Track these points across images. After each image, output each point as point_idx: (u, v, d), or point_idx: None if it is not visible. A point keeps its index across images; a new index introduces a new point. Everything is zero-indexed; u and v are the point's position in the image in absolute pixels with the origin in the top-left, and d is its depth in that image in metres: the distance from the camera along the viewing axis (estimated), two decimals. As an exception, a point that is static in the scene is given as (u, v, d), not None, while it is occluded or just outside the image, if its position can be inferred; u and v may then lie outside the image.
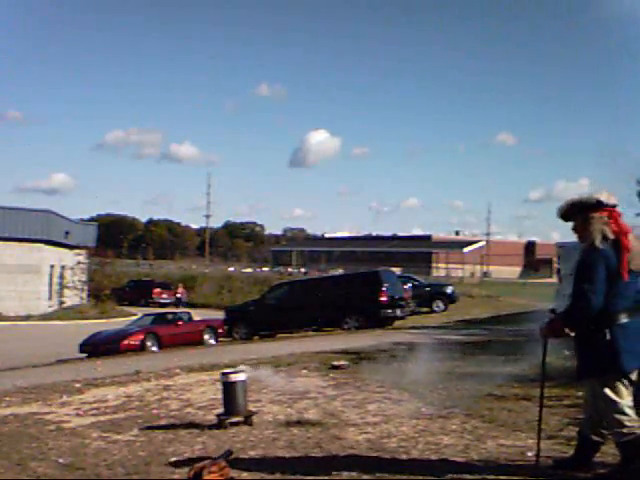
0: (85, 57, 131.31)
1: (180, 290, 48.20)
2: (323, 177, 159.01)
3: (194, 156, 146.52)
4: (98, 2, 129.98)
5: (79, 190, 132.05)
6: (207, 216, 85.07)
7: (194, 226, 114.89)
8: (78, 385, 12.94)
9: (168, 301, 47.12)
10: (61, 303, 38.43)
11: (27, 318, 31.01)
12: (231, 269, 69.23)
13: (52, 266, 37.93)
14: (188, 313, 25.05)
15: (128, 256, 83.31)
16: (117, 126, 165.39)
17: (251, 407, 9.35)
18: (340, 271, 45.15)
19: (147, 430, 8.98)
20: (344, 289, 23.72)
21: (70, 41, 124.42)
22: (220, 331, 23.46)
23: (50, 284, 37.83)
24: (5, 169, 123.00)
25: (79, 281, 40.32)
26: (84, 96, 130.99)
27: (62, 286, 39.43)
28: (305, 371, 13.39)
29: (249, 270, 67.57)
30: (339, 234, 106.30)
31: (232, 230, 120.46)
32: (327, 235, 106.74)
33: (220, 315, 25.18)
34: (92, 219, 72.58)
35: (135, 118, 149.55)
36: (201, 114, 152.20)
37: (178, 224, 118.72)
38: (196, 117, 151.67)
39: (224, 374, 9.20)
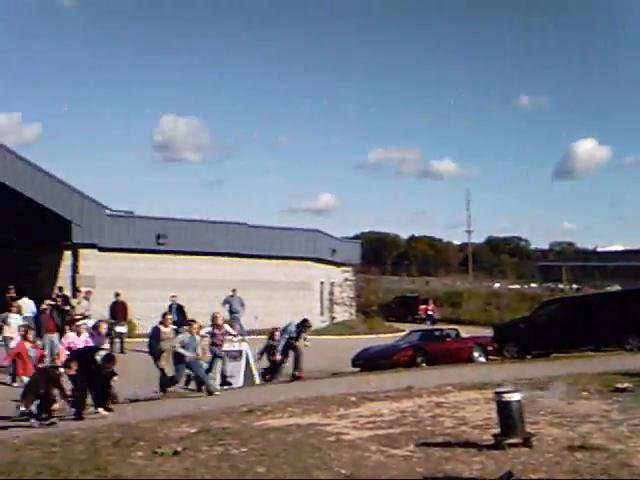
0: (344, 79, 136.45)
1: (431, 307, 48.10)
2: (592, 188, 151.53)
3: (454, 171, 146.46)
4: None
5: (343, 209, 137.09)
6: (468, 231, 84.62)
7: (456, 242, 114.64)
8: (353, 398, 13.28)
9: (435, 317, 47.23)
10: (332, 318, 39.97)
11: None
12: (497, 285, 67.95)
13: (322, 283, 39.64)
14: (455, 330, 24.89)
15: (392, 272, 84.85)
16: (379, 145, 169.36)
17: (529, 428, 9.02)
18: (617, 287, 42.55)
19: (423, 446, 8.99)
20: (624, 306, 22.17)
21: (322, 64, 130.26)
22: (490, 349, 22.99)
23: (321, 300, 39.54)
24: (277, 192, 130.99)
25: (347, 297, 41.69)
26: (347, 118, 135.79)
27: (332, 302, 41.03)
28: (585, 393, 12.69)
29: (516, 286, 65.83)
30: (612, 248, 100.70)
31: (495, 245, 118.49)
32: (599, 249, 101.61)
33: (488, 332, 24.66)
34: (356, 237, 74.89)
35: (395, 136, 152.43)
36: (460, 129, 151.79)
37: (439, 240, 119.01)
38: (455, 133, 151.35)
39: (498, 393, 8.97)
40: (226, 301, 28.29)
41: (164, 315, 17.01)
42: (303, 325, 18.38)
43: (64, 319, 21.38)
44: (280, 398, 13.73)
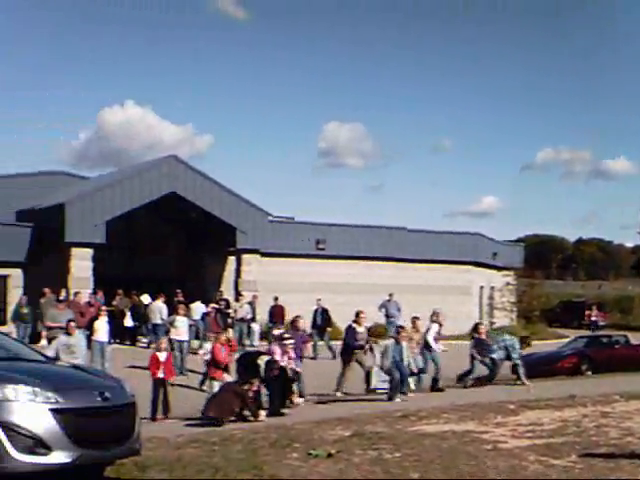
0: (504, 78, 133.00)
1: (594, 312, 45.94)
2: None
3: (628, 171, 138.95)
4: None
5: (507, 212, 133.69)
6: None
7: (628, 244, 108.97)
8: (512, 406, 12.91)
9: (600, 323, 45.15)
10: (492, 324, 39.14)
11: (460, 338, 32.16)
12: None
13: (481, 287, 38.88)
14: (625, 336, 23.71)
15: (557, 277, 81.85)
16: (548, 145, 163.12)
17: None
18: None
19: (586, 457, 8.59)
20: None
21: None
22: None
23: (480, 305, 38.79)
24: (438, 196, 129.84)
25: (508, 302, 40.66)
26: (514, 119, 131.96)
27: (492, 307, 40.17)
28: None
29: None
30: None
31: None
32: None
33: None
34: (519, 240, 72.85)
35: (566, 136, 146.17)
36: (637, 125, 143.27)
37: (610, 242, 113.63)
38: (631, 129, 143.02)
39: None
40: (382, 305, 28.35)
41: (357, 314, 16.89)
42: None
43: (226, 322, 22.22)
44: (435, 404, 13.58)
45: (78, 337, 15.41)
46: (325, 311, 25.63)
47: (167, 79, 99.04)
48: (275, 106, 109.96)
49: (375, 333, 30.04)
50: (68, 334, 15.01)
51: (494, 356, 17.50)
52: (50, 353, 13.55)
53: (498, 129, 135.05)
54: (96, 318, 19.39)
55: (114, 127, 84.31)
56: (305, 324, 17.51)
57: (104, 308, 20.38)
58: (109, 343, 19.57)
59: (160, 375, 13.90)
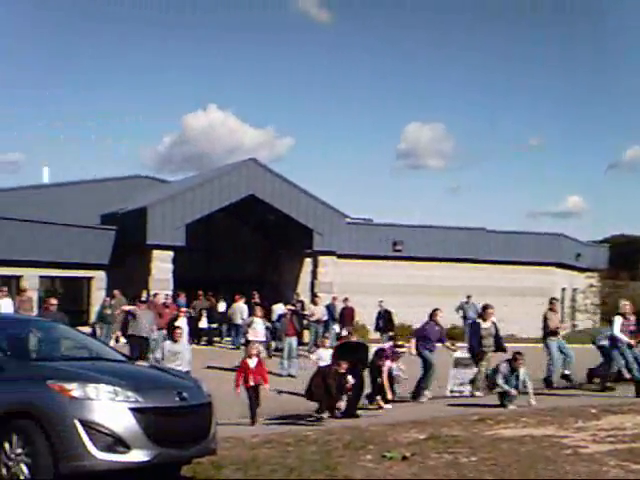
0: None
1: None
2: None
3: None
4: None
5: (592, 212, 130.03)
6: None
7: None
8: (594, 410, 12.58)
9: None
10: (574, 326, 38.26)
11: (540, 340, 31.58)
12: None
13: (564, 289, 38.06)
14: None
15: (643, 278, 79.31)
16: (636, 143, 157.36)
17: None
18: None
19: (669, 464, 8.32)
20: None
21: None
22: None
23: (562, 307, 38.00)
24: (521, 196, 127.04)
25: (591, 304, 39.71)
26: (602, 116, 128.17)
27: (574, 309, 39.28)
28: None
29: None
30: None
31: None
32: None
33: None
34: (604, 241, 70.99)
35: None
36: None
37: None
38: None
39: None
40: (460, 307, 28.06)
41: (485, 308, 16.13)
42: None
43: (302, 323, 22.37)
44: (513, 407, 13.37)
45: (183, 344, 14.81)
46: (388, 313, 25.53)
47: (248, 82, 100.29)
48: (355, 108, 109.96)
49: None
50: (174, 340, 14.43)
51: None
52: (158, 356, 14.00)
53: (584, 127, 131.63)
54: (175, 319, 19.71)
55: (197, 131, 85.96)
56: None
57: (183, 310, 20.73)
58: (188, 344, 19.86)
59: (251, 383, 13.30)
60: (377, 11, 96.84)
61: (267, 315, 22.64)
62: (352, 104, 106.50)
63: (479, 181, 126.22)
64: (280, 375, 20.47)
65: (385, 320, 25.37)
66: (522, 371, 13.80)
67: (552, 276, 36.31)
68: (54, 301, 18.07)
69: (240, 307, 24.22)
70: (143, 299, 20.94)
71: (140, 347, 18.10)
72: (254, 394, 13.34)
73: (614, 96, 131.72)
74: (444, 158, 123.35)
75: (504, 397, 13.66)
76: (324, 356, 15.57)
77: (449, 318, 29.40)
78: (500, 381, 13.59)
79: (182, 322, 19.55)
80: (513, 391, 13.56)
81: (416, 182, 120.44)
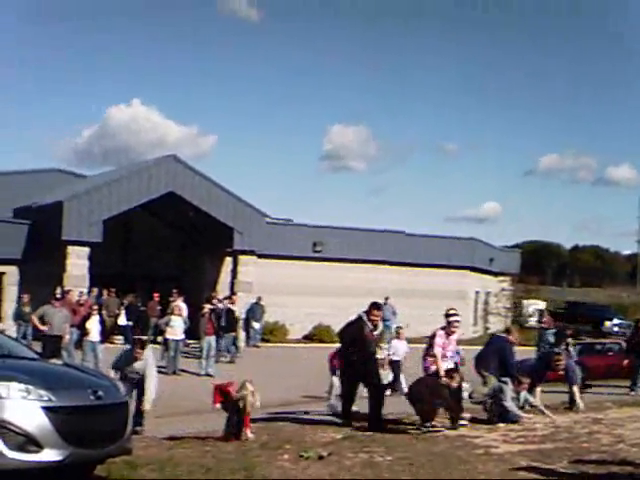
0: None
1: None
2: None
3: (631, 178, 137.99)
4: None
5: (506, 218, 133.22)
6: (639, 241, 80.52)
7: (625, 252, 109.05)
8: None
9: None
10: (486, 329, 39.17)
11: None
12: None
13: (477, 292, 38.93)
14: (619, 344, 23.72)
15: (552, 283, 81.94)
16: (552, 151, 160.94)
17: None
18: None
19: (576, 463, 8.62)
20: None
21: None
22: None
23: (475, 310, 38.85)
24: (440, 200, 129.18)
25: (503, 308, 40.76)
26: (516, 122, 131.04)
27: (486, 312, 40.22)
28: None
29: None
30: None
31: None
32: None
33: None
34: (516, 246, 72.92)
35: (571, 142, 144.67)
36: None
37: (607, 250, 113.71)
38: (635, 139, 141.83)
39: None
40: (377, 309, 28.40)
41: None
42: None
43: (220, 322, 22.29)
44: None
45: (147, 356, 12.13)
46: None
47: (173, 79, 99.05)
48: (280, 108, 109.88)
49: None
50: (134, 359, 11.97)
51: None
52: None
53: (502, 134, 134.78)
54: (88, 318, 19.32)
55: (119, 125, 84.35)
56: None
57: (95, 307, 20.31)
58: (101, 342, 19.53)
59: None
60: (306, 9, 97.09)
61: (193, 314, 22.36)
62: (277, 104, 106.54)
63: (401, 184, 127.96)
64: (198, 375, 20.38)
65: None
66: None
67: (466, 279, 37.13)
68: None
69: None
70: (57, 296, 20.42)
71: (54, 345, 17.65)
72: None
73: (533, 104, 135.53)
74: (367, 160, 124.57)
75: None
76: (400, 349, 14.92)
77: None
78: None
79: (94, 320, 19.22)
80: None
81: (339, 184, 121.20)
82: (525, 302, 43.07)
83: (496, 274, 40.40)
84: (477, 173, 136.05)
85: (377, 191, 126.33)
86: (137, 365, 11.82)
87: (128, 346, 13.45)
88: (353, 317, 11.69)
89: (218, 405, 10.71)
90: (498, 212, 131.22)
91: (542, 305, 43.12)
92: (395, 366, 17.27)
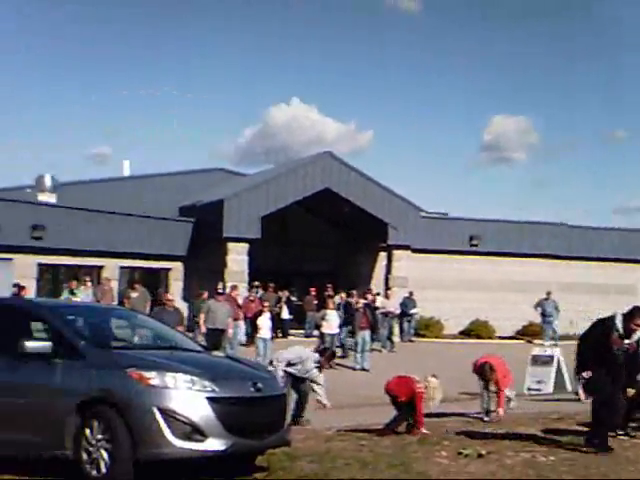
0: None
1: None
2: None
3: None
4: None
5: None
6: None
7: None
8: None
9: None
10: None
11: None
12: None
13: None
14: None
15: None
16: None
17: None
18: None
19: None
20: None
21: None
22: None
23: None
24: (608, 190, 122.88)
25: (676, 302, 38.46)
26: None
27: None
28: None
29: None
30: None
31: None
32: None
33: None
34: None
35: None
36: None
37: None
38: None
39: None
40: (539, 304, 27.56)
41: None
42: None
43: (375, 317, 22.36)
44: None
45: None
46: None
47: (333, 76, 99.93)
48: (439, 100, 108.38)
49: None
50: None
51: None
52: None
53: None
54: (260, 314, 19.75)
55: (279, 124, 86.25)
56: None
57: (266, 304, 20.86)
58: (271, 339, 19.96)
59: None
60: (464, 3, 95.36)
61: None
62: (434, 97, 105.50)
63: (565, 174, 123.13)
64: (354, 369, 20.52)
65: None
66: None
67: (636, 273, 35.20)
68: (170, 297, 18.69)
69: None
70: (220, 291, 21.16)
71: (216, 338, 18.26)
72: None
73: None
74: (529, 151, 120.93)
75: None
76: None
77: (527, 314, 28.97)
78: None
79: (265, 317, 19.64)
80: None
81: (498, 175, 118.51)
82: None
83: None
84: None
85: (539, 182, 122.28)
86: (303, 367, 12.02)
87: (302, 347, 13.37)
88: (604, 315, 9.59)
89: (404, 398, 10.56)
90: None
91: None
92: None
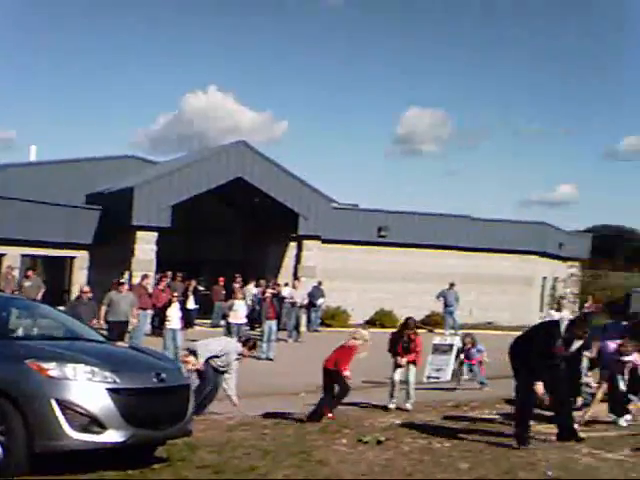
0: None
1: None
2: None
3: None
4: None
5: (583, 201, 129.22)
6: None
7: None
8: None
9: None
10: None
11: (518, 329, 31.79)
12: None
13: (544, 278, 38.21)
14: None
15: (624, 269, 79.94)
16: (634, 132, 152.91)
17: None
18: None
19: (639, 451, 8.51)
20: None
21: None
22: None
23: (542, 296, 38.13)
24: (513, 183, 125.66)
25: (571, 293, 39.91)
26: (599, 104, 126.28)
27: (553, 298, 39.44)
28: None
29: None
30: None
31: None
32: None
33: None
34: (588, 230, 71.40)
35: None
36: None
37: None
38: None
39: None
40: (441, 294, 28.28)
41: None
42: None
43: (281, 306, 22.54)
44: (486, 395, 13.53)
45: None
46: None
47: (250, 65, 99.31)
48: (353, 92, 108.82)
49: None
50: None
51: None
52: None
53: (581, 115, 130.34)
54: (169, 305, 19.52)
55: (194, 112, 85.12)
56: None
57: (176, 294, 20.68)
58: (181, 329, 19.74)
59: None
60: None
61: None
62: (346, 88, 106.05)
63: (473, 167, 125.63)
64: (258, 358, 20.59)
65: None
66: None
67: (534, 265, 36.52)
68: (87, 289, 18.14)
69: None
70: (123, 281, 20.85)
71: (120, 330, 17.98)
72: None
73: (615, 84, 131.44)
74: (440, 144, 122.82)
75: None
76: None
77: (431, 304, 29.62)
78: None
79: (175, 307, 19.43)
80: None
81: (410, 168, 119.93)
82: None
83: (565, 259, 39.62)
84: (554, 155, 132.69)
85: (449, 175, 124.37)
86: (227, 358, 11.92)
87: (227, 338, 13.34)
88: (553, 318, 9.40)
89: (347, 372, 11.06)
90: (574, 196, 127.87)
91: None
92: None
